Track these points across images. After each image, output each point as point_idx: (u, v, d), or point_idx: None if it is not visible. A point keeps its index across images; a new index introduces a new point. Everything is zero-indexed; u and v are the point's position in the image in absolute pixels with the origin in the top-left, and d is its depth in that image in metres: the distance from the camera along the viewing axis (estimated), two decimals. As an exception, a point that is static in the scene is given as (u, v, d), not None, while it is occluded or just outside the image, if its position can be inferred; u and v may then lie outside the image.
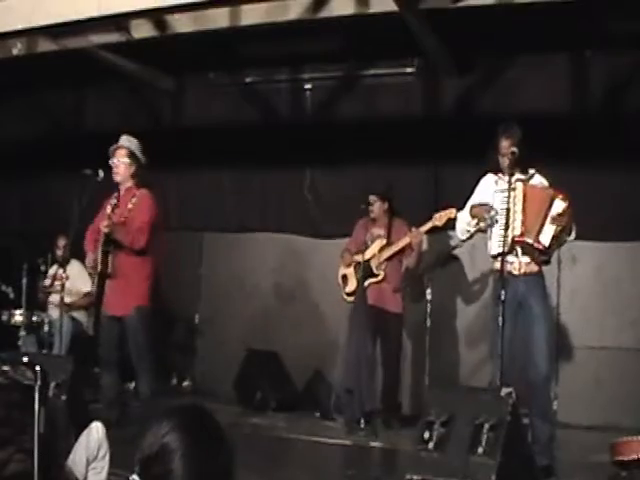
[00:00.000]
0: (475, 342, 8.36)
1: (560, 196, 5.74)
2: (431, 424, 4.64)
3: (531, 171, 5.98)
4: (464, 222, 6.12)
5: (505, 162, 5.86)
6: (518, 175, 5.86)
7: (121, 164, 6.94)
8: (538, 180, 5.97)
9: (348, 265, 8.09)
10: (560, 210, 5.69)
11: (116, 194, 7.05)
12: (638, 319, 8.10)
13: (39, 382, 2.60)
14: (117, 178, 6.96)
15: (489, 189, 6.03)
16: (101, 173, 6.92)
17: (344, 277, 8.16)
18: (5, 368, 2.76)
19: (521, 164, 5.88)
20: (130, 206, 6.84)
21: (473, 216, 6.00)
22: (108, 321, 6.99)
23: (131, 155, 6.96)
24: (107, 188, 7.02)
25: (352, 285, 8.01)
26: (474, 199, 6.15)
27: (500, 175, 5.99)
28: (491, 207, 5.88)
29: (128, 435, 6.21)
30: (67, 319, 8.38)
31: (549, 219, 5.71)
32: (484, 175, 6.16)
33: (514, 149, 5.77)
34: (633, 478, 5.04)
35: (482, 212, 5.94)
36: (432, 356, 7.04)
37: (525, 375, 5.78)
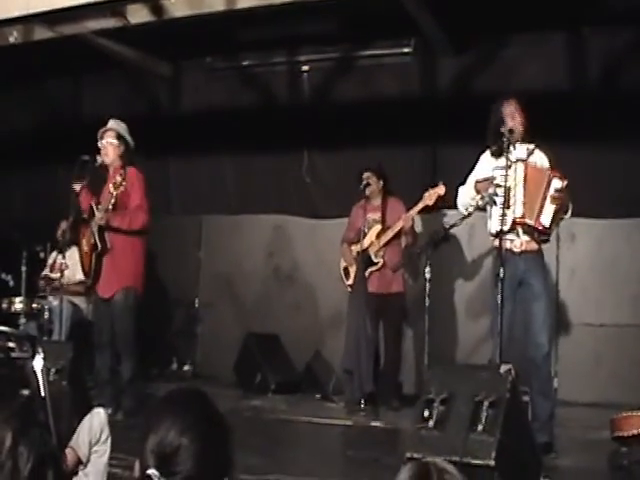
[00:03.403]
0: (474, 320, 8.39)
1: (557, 175, 5.75)
2: (431, 402, 4.64)
3: (531, 146, 5.97)
4: (467, 197, 6.03)
5: (509, 125, 5.83)
6: (518, 153, 5.84)
7: (109, 145, 6.96)
8: (538, 156, 5.92)
9: (349, 260, 8.11)
10: (558, 188, 5.69)
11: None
12: (636, 296, 8.12)
13: (42, 355, 2.61)
14: (106, 160, 6.97)
15: (490, 165, 6.02)
16: (99, 159, 6.95)
17: (346, 270, 8.17)
18: (10, 344, 2.78)
19: (521, 139, 5.88)
20: (117, 185, 6.70)
21: (478, 191, 5.97)
22: (100, 303, 7.01)
23: (119, 137, 7.00)
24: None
25: (354, 277, 8.00)
26: (475, 174, 6.13)
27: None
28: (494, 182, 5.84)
29: (129, 421, 6.29)
30: (67, 305, 8.38)
31: (548, 199, 5.70)
32: (484, 151, 6.15)
33: (512, 127, 5.78)
34: (633, 454, 5.06)
35: (487, 187, 5.91)
36: (431, 335, 7.05)
37: (525, 353, 5.79)
